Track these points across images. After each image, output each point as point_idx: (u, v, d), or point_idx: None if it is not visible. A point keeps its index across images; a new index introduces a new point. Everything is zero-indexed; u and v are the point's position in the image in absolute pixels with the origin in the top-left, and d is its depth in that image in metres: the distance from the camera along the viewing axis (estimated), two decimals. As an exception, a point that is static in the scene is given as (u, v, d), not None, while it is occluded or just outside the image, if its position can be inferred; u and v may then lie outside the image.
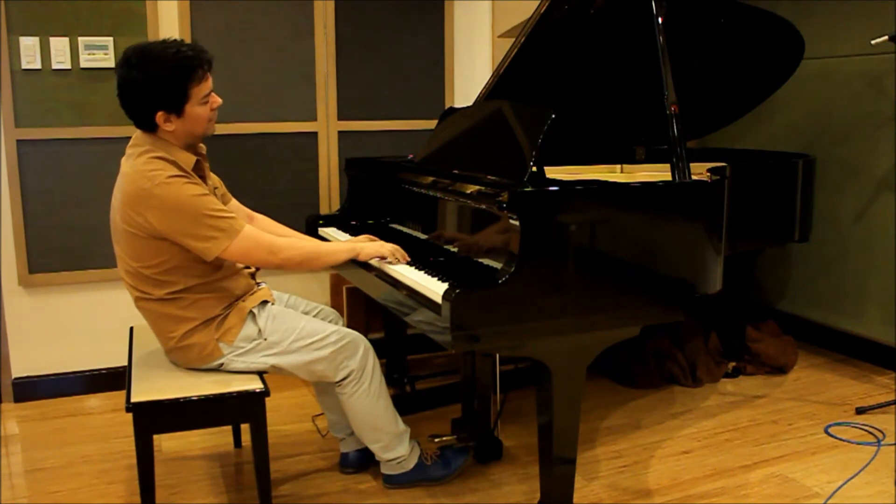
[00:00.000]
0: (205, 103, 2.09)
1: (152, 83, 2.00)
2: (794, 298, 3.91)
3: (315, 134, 3.51)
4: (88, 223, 3.19)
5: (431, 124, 3.02)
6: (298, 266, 2.23)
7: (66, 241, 3.18)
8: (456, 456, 2.51)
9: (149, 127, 2.09)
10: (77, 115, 3.13)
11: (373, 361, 2.31)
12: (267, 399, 2.13)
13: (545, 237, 1.92)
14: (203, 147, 2.24)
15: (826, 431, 2.87)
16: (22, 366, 3.22)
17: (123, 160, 2.14)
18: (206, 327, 2.16)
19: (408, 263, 2.29)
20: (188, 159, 2.11)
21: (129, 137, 2.19)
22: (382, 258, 2.33)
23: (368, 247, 2.33)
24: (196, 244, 2.04)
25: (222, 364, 2.20)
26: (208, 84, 2.09)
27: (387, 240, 2.51)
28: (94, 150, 3.16)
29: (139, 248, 2.07)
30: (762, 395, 3.25)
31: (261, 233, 2.15)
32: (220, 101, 2.15)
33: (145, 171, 2.02)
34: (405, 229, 2.71)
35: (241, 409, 2.13)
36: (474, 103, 2.81)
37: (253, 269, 2.39)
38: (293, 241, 2.21)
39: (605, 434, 2.87)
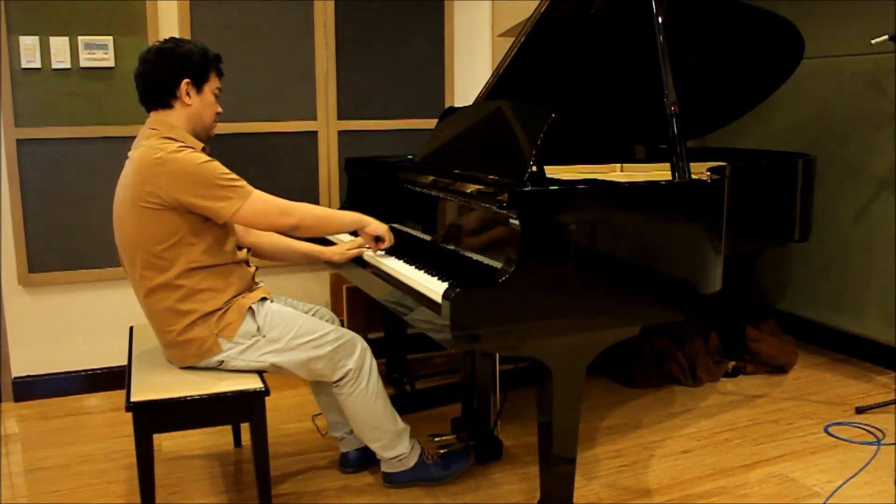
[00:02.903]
0: (216, 96, 2.26)
1: (186, 53, 2.19)
2: (794, 298, 3.91)
3: (315, 133, 3.51)
4: (88, 223, 3.19)
5: (431, 124, 3.02)
6: (311, 228, 2.29)
7: (65, 240, 3.18)
8: (457, 458, 2.51)
9: (166, 99, 2.18)
10: (77, 114, 3.13)
11: (370, 361, 2.32)
12: (267, 398, 2.13)
13: (545, 236, 1.93)
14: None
15: (826, 431, 2.87)
16: (22, 365, 3.22)
17: (131, 151, 2.19)
18: (205, 321, 2.16)
19: (408, 262, 2.30)
20: (196, 143, 2.19)
21: (130, 137, 2.22)
22: (380, 240, 2.43)
23: (374, 221, 2.43)
24: (210, 204, 2.08)
25: (222, 363, 2.20)
26: (219, 83, 2.29)
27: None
28: (93, 149, 3.16)
29: (150, 223, 2.09)
30: (762, 394, 3.25)
31: (271, 197, 2.20)
32: (220, 109, 2.30)
33: (157, 145, 2.11)
34: (405, 229, 2.71)
35: (241, 409, 2.13)
36: (474, 103, 2.81)
37: (253, 270, 2.40)
38: (304, 205, 2.28)
39: (605, 434, 2.87)
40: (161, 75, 2.17)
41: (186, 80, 2.17)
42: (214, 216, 2.12)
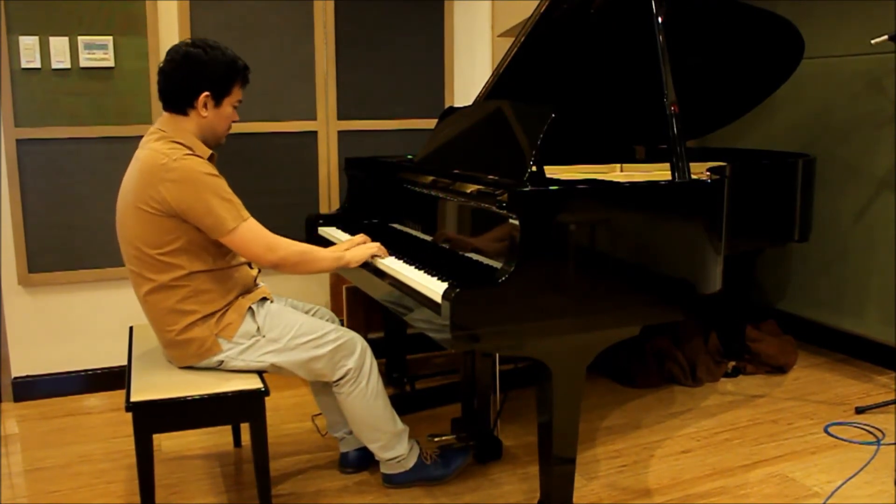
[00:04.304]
0: (234, 108, 2.24)
1: (212, 65, 2.15)
2: (794, 298, 3.91)
3: (315, 133, 3.51)
4: (88, 223, 3.19)
5: (431, 124, 3.02)
6: (293, 268, 2.24)
7: (66, 241, 3.18)
8: (456, 456, 2.51)
9: (183, 107, 2.16)
10: (77, 114, 3.13)
11: (370, 361, 2.31)
12: (266, 399, 2.14)
13: (545, 237, 1.93)
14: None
15: (826, 431, 2.87)
16: (22, 365, 3.22)
17: (138, 150, 2.18)
18: (205, 322, 2.16)
19: (408, 262, 2.30)
20: (204, 149, 2.18)
21: (130, 137, 2.21)
22: (376, 255, 2.40)
23: (355, 255, 2.38)
24: (204, 220, 2.07)
25: (222, 363, 2.20)
26: (241, 94, 2.26)
27: (387, 239, 2.52)
28: (93, 149, 3.16)
29: (149, 227, 2.09)
30: (762, 394, 3.25)
31: (263, 228, 2.17)
32: (237, 117, 2.28)
33: (163, 150, 2.09)
34: (405, 229, 2.71)
35: (241, 409, 2.13)
36: (474, 103, 2.81)
37: (256, 272, 2.40)
38: (290, 243, 2.22)
39: (605, 434, 2.87)
40: (181, 82, 2.14)
41: (206, 93, 2.14)
42: (207, 231, 2.10)
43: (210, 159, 2.19)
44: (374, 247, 2.42)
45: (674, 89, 2.32)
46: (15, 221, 3.10)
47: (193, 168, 2.07)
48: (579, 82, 2.92)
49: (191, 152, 2.11)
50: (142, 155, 2.13)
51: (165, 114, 2.20)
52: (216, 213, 2.07)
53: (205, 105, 2.16)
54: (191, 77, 2.14)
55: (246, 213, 2.14)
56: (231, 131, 3.27)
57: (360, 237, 2.52)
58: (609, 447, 2.76)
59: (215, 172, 2.12)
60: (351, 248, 2.50)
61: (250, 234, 2.13)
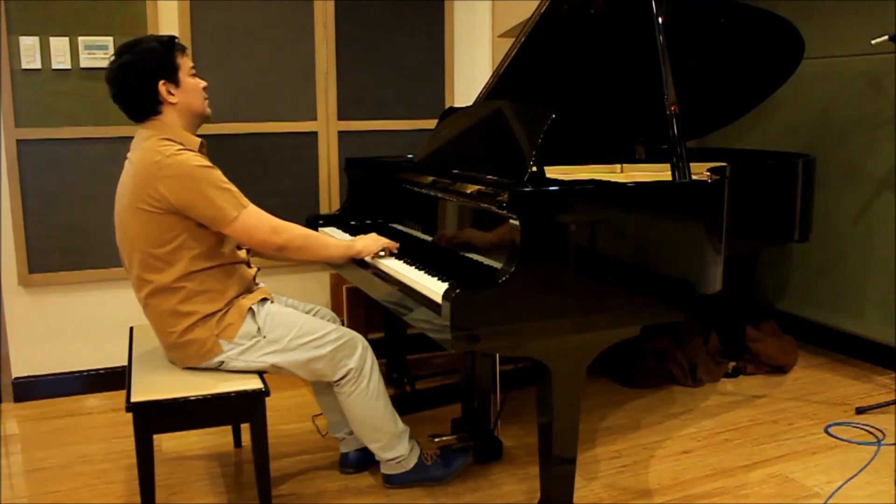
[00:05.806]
0: (193, 76, 2.22)
1: (145, 57, 2.13)
2: (794, 298, 3.91)
3: (315, 134, 3.51)
4: (88, 223, 3.19)
5: (431, 124, 3.02)
6: (299, 251, 2.25)
7: (66, 241, 3.18)
8: (456, 456, 2.51)
9: (152, 108, 2.16)
10: (77, 115, 3.13)
11: (371, 361, 2.31)
12: (267, 399, 2.14)
13: (545, 237, 1.93)
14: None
15: (826, 431, 2.87)
16: (22, 366, 3.22)
17: (130, 154, 2.19)
18: (206, 323, 2.16)
19: (408, 263, 2.30)
20: (193, 141, 2.18)
21: (130, 137, 2.21)
22: (379, 254, 2.39)
23: (366, 247, 2.39)
24: (206, 212, 2.08)
25: (222, 363, 2.20)
26: (190, 61, 2.22)
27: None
28: (93, 150, 3.16)
29: (151, 226, 2.09)
30: (762, 395, 3.25)
31: (264, 212, 2.18)
32: (205, 82, 2.26)
33: (156, 148, 2.09)
34: (405, 229, 2.71)
35: (241, 409, 2.13)
36: (474, 103, 2.81)
37: (255, 271, 2.40)
38: (295, 226, 2.24)
39: (605, 434, 2.87)
40: (135, 92, 2.13)
41: (161, 82, 2.14)
42: (209, 224, 2.11)
43: (200, 149, 2.19)
44: (385, 240, 2.42)
45: (674, 89, 2.32)
46: (15, 221, 3.10)
47: (188, 162, 2.07)
48: (579, 83, 2.92)
49: (182, 147, 2.11)
50: (135, 157, 2.13)
51: (141, 127, 2.18)
52: (217, 204, 2.08)
53: (169, 92, 2.15)
54: (139, 81, 2.13)
55: (245, 200, 2.14)
56: (232, 132, 3.33)
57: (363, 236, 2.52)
58: (609, 447, 2.76)
59: (209, 164, 2.12)
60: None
61: (253, 219, 2.14)
